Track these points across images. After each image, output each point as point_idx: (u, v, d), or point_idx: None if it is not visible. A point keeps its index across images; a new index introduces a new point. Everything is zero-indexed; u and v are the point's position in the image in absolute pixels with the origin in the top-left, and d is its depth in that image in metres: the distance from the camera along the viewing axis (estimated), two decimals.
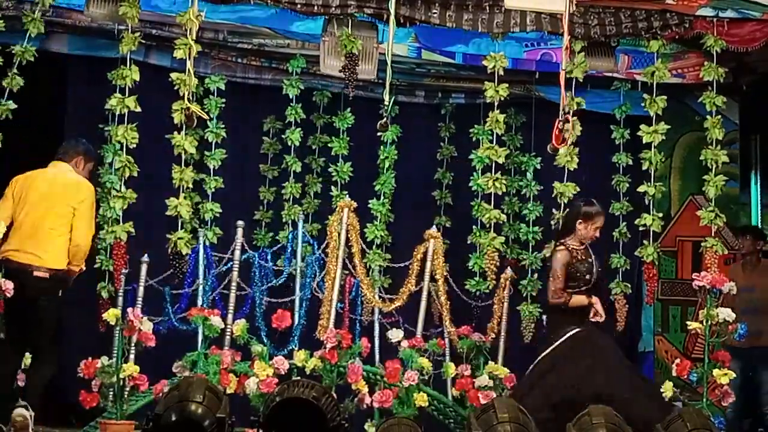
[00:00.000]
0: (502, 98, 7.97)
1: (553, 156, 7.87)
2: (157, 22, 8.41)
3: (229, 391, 7.02)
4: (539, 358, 7.01)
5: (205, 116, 7.72)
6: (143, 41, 8.10)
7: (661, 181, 8.32)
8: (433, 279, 7.76)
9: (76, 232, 6.67)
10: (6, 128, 7.52)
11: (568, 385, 6.70)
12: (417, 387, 7.22)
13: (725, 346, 7.46)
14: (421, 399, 7.20)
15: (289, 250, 8.45)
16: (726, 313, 7.23)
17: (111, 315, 6.82)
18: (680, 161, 9.66)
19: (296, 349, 7.57)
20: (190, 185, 7.71)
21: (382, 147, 9.21)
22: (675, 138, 9.31)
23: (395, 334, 7.47)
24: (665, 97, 8.04)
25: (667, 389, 7.31)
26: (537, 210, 9.40)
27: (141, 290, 7.60)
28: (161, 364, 7.32)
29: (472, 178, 8.89)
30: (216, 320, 7.31)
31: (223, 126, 9.09)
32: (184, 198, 7.45)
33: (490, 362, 7.73)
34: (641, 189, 8.10)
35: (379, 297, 8.23)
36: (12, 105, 7.50)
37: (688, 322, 7.62)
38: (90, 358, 7.07)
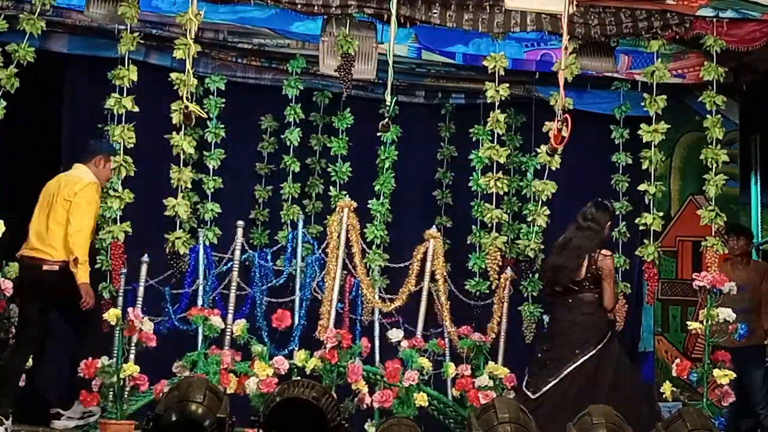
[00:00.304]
0: (503, 98, 7.97)
1: (552, 156, 7.89)
2: (158, 23, 8.41)
3: (229, 391, 7.02)
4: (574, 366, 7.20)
5: (204, 116, 7.71)
6: (144, 41, 8.11)
7: (661, 181, 8.32)
8: (433, 279, 7.76)
9: (69, 224, 6.95)
10: (5, 128, 7.51)
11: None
12: (417, 387, 7.22)
13: (716, 345, 7.46)
14: (421, 399, 7.20)
15: (289, 250, 8.45)
16: (726, 313, 7.24)
17: (111, 315, 6.82)
18: (680, 161, 9.66)
19: (296, 349, 7.57)
20: (189, 185, 7.71)
21: (382, 147, 9.20)
22: (675, 138, 9.31)
23: (395, 334, 7.47)
24: (665, 96, 8.05)
25: (667, 389, 7.33)
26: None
27: (141, 290, 7.60)
28: (161, 364, 7.31)
29: (471, 178, 8.90)
30: (216, 320, 7.31)
31: (222, 126, 9.09)
32: (183, 198, 7.44)
33: (490, 362, 7.73)
34: (642, 188, 8.10)
35: (379, 297, 8.22)
36: (2, 102, 7.42)
37: (688, 322, 7.63)
38: (90, 358, 7.07)
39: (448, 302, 7.92)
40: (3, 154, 7.45)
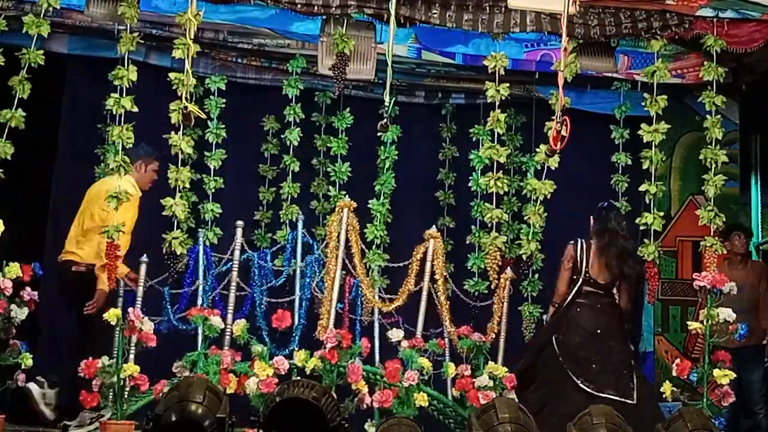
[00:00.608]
0: (503, 98, 7.97)
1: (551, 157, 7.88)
2: (158, 23, 8.42)
3: (229, 391, 7.01)
4: None
5: (204, 116, 7.71)
6: (144, 41, 8.10)
7: (661, 181, 8.32)
8: (433, 279, 7.76)
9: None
10: (5, 128, 7.49)
11: None
12: (417, 387, 7.21)
13: (716, 345, 7.46)
14: (421, 399, 7.19)
15: (288, 250, 8.45)
16: (726, 313, 7.24)
17: (111, 315, 6.82)
18: (680, 161, 9.66)
19: (296, 349, 7.57)
20: (187, 185, 7.71)
21: (382, 147, 9.21)
22: (675, 138, 9.31)
23: (395, 334, 7.46)
24: (666, 96, 8.05)
25: (667, 389, 7.33)
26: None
27: (141, 290, 7.59)
28: (161, 364, 7.31)
29: (471, 178, 8.90)
30: (216, 320, 7.30)
31: (223, 126, 9.09)
32: (180, 198, 7.44)
33: (490, 362, 7.72)
34: (642, 188, 8.09)
35: (379, 297, 8.22)
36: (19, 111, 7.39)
37: (688, 322, 7.62)
38: (90, 358, 7.07)
39: (448, 302, 7.92)
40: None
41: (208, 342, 7.32)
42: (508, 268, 8.34)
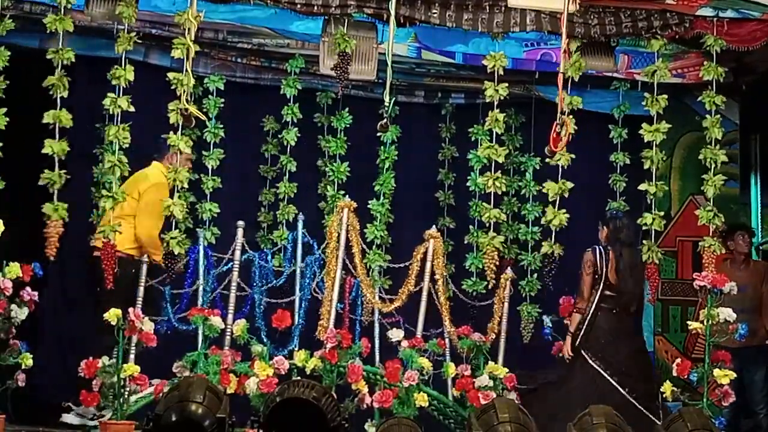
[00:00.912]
0: (502, 98, 7.97)
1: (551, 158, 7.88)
2: (157, 22, 8.40)
3: (229, 391, 7.01)
4: None
5: (203, 116, 7.71)
6: (143, 41, 8.09)
7: (661, 181, 8.32)
8: (433, 279, 7.75)
9: (137, 223, 7.68)
10: (5, 128, 7.48)
11: None
12: (417, 387, 7.22)
13: (717, 346, 7.46)
14: (421, 399, 7.20)
15: (289, 251, 8.44)
16: (727, 313, 7.24)
17: (112, 315, 6.81)
18: (680, 161, 9.66)
19: (296, 349, 7.56)
20: (185, 185, 7.70)
21: (382, 147, 9.20)
22: (675, 138, 9.30)
23: (395, 334, 7.47)
24: (666, 96, 8.05)
25: (667, 389, 7.32)
26: (536, 210, 9.38)
27: (141, 290, 7.59)
28: (161, 364, 7.31)
29: (469, 177, 8.89)
30: (216, 320, 7.31)
31: (222, 126, 9.08)
32: (179, 198, 7.44)
33: (490, 362, 7.73)
34: (642, 187, 8.08)
35: (379, 297, 8.22)
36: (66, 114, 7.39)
37: (689, 322, 7.62)
38: (90, 358, 7.06)
39: (448, 302, 7.92)
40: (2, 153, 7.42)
41: (209, 342, 7.32)
42: (509, 268, 8.35)
